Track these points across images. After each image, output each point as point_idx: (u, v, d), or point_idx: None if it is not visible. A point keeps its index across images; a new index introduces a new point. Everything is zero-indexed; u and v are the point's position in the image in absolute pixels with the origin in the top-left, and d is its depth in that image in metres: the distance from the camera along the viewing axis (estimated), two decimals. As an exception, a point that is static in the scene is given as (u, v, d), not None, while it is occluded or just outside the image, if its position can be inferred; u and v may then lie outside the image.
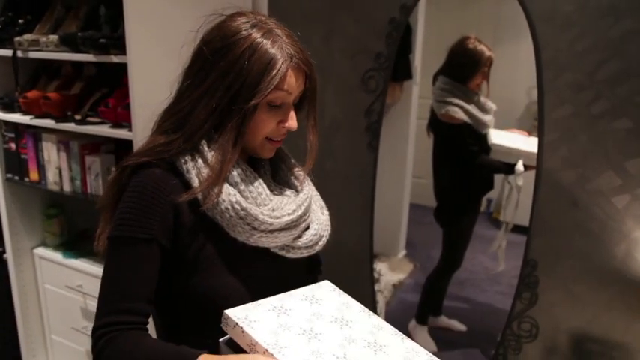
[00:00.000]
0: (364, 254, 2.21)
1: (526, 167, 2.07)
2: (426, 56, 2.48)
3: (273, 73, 0.92)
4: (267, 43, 0.94)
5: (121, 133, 1.77)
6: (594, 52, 1.60)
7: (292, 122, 1.00)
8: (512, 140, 2.20)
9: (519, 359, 1.92)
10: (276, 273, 1.03)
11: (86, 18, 1.92)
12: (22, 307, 2.27)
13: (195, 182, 0.95)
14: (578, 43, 1.62)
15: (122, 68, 1.79)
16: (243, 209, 0.94)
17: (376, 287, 2.31)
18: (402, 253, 3.06)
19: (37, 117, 1.97)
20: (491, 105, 2.16)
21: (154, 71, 1.68)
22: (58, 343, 2.29)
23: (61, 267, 2.13)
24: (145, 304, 0.92)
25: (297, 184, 1.09)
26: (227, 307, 0.90)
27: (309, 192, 1.09)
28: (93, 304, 2.07)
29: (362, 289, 2.23)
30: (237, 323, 0.85)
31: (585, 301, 1.77)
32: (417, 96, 2.59)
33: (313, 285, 1.02)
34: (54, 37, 1.87)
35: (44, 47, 1.89)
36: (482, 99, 2.14)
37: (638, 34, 1.53)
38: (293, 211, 1.01)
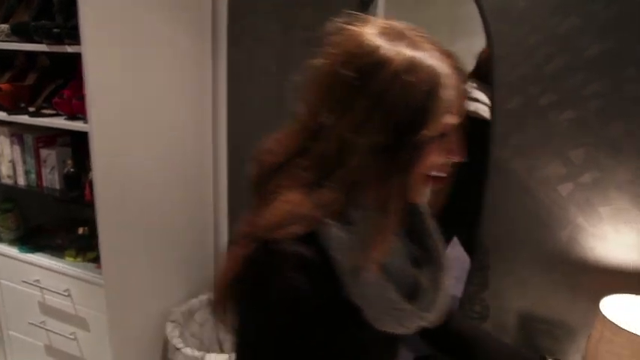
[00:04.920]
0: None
1: None
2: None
3: (447, 91, 0.72)
4: (424, 55, 0.73)
5: (77, 125, 1.74)
6: (543, 48, 1.68)
7: (464, 149, 0.78)
8: None
9: (472, 340, 2.01)
10: (391, 346, 0.94)
11: (39, 7, 1.86)
12: (-24, 304, 2.22)
13: (343, 265, 0.72)
14: (528, 39, 1.69)
15: (77, 59, 1.76)
16: (401, 309, 0.77)
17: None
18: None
19: (-12, 109, 1.91)
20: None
21: (110, 62, 1.66)
22: (15, 338, 2.24)
23: (17, 262, 2.08)
24: None
25: (437, 247, 0.89)
26: None
27: (448, 262, 0.90)
28: (51, 299, 2.03)
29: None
30: None
31: (532, 284, 1.86)
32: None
33: None
34: (4, 27, 1.81)
35: (-6, 37, 1.83)
36: None
37: (582, 31, 1.62)
38: (444, 304, 0.84)
